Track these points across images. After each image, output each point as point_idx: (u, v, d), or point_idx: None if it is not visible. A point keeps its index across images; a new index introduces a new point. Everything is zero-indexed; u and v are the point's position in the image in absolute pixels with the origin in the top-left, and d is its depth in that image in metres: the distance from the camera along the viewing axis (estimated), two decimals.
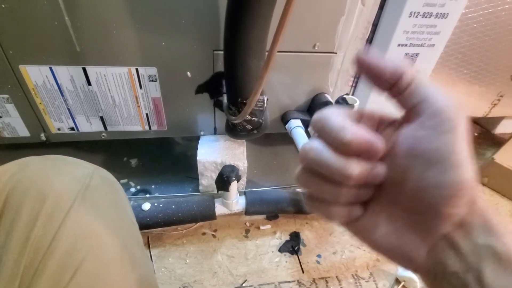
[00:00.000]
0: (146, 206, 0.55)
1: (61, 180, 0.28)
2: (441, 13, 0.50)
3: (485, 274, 0.15)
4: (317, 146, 0.17)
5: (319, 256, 0.61)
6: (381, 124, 0.20)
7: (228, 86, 0.48)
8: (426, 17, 0.50)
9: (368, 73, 0.18)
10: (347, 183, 0.17)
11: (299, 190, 0.75)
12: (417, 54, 0.54)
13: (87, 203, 0.28)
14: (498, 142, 0.93)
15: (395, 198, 0.18)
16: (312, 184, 0.19)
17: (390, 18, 0.50)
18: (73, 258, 0.26)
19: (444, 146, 0.16)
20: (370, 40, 0.54)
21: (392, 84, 0.18)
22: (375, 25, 0.53)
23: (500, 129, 0.93)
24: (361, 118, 0.20)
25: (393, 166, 0.18)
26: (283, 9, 0.29)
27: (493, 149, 0.90)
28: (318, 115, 0.18)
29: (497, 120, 0.91)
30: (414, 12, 0.49)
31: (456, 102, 0.16)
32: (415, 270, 0.18)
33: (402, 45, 0.53)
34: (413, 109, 0.17)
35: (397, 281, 0.57)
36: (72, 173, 0.30)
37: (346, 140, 0.16)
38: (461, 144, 0.16)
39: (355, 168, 0.17)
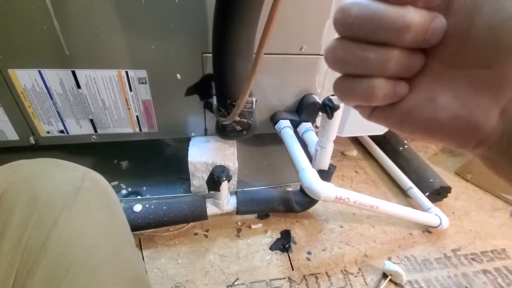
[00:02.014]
0: (138, 207, 0.56)
1: (53, 182, 0.29)
2: None
3: None
4: (361, 0, 0.14)
5: (309, 253, 0.62)
6: None
7: (217, 88, 0.49)
8: None
9: None
10: (402, 39, 0.14)
11: (289, 189, 0.77)
12: None
13: (78, 205, 0.29)
14: None
15: (455, 56, 0.15)
16: (350, 55, 0.15)
17: None
18: (65, 258, 0.26)
19: None
20: None
21: None
22: None
23: None
24: None
25: (452, 13, 0.15)
26: (268, 14, 0.30)
27: None
28: None
29: None
30: None
31: None
32: (480, 143, 0.15)
33: None
34: None
35: (384, 275, 0.58)
36: (63, 175, 0.30)
37: None
38: None
39: (414, 15, 0.14)
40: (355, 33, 0.15)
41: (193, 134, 0.64)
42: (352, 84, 0.16)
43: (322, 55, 0.57)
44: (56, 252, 0.26)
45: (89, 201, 0.30)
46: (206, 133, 0.65)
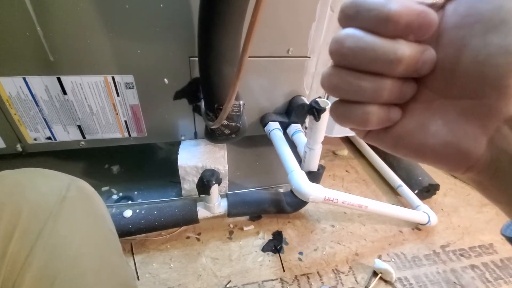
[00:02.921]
0: (128, 213, 0.56)
1: (37, 193, 0.29)
2: None
3: None
4: (355, 32, 0.15)
5: (301, 253, 0.63)
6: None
7: (204, 93, 0.49)
8: None
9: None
10: (394, 71, 0.15)
11: (281, 190, 0.77)
12: None
13: (63, 215, 0.28)
14: None
15: (445, 86, 0.16)
16: (345, 83, 0.16)
17: None
18: (50, 269, 0.26)
19: (507, 3, 0.13)
20: None
21: None
22: None
23: None
24: None
25: (441, 47, 0.15)
26: (250, 19, 0.30)
27: None
28: (350, 0, 0.15)
29: None
30: None
31: None
32: (470, 168, 0.16)
33: None
34: None
35: (375, 273, 0.59)
36: (48, 185, 0.30)
37: (394, 12, 0.14)
38: None
39: (405, 48, 0.14)
40: (350, 62, 0.15)
41: (183, 137, 0.64)
42: (347, 109, 0.17)
43: (309, 57, 0.57)
44: (41, 263, 0.26)
45: (74, 210, 0.30)
46: (196, 136, 0.65)
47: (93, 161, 0.73)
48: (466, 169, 0.16)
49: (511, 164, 0.15)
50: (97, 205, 0.34)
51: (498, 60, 0.14)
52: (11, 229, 0.26)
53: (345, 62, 0.16)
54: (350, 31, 0.15)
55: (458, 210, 0.78)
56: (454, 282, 0.60)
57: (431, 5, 0.16)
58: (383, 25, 0.14)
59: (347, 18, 0.15)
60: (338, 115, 0.17)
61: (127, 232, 0.55)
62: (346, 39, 0.15)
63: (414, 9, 0.14)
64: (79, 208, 0.31)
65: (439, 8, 0.16)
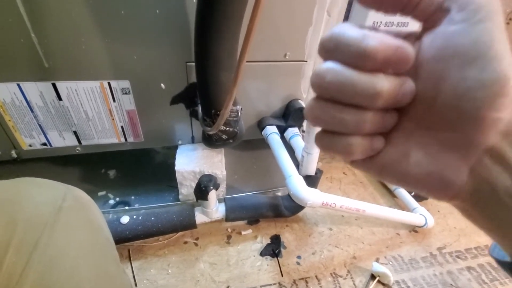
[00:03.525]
0: (125, 219, 0.55)
1: (33, 204, 0.28)
2: (401, 22, 0.54)
3: None
4: (335, 66, 0.15)
5: (299, 257, 0.63)
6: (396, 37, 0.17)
7: (201, 98, 0.48)
8: (388, 26, 0.53)
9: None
10: (375, 104, 0.15)
11: (279, 193, 0.77)
12: None
13: (59, 225, 0.28)
14: None
15: (425, 118, 0.16)
16: (328, 115, 0.16)
17: None
18: (47, 281, 0.26)
19: (482, 37, 0.14)
20: None
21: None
22: None
23: None
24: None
25: (420, 79, 0.16)
26: (247, 29, 0.30)
27: None
28: (329, 33, 0.15)
29: None
30: (377, 22, 0.51)
31: None
32: (453, 197, 0.16)
33: None
34: (436, 12, 0.15)
35: (373, 276, 0.60)
36: (43, 196, 0.30)
37: (372, 48, 0.14)
38: (500, 35, 0.14)
39: (384, 83, 0.15)
40: (331, 96, 0.15)
41: (180, 142, 0.64)
42: (331, 140, 0.17)
43: (306, 61, 0.57)
44: (37, 275, 0.26)
45: (70, 220, 0.30)
46: (193, 140, 0.65)
47: (90, 165, 0.73)
48: (450, 197, 0.16)
49: (493, 194, 0.15)
50: (93, 214, 0.34)
51: (475, 93, 0.14)
52: (6, 241, 0.26)
53: (327, 95, 0.16)
54: (330, 65, 0.15)
55: (454, 212, 0.78)
56: (451, 284, 0.60)
57: (408, 35, 0.17)
58: (361, 60, 0.14)
59: (327, 51, 0.15)
60: (323, 145, 0.17)
61: (125, 238, 0.55)
62: (326, 73, 0.15)
63: (391, 45, 0.14)
64: (75, 218, 0.30)
65: (416, 38, 0.16)
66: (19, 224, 0.27)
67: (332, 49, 0.15)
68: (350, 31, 0.15)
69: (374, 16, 0.51)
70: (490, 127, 0.14)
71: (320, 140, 0.17)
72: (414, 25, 0.18)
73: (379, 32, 0.16)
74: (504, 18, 0.14)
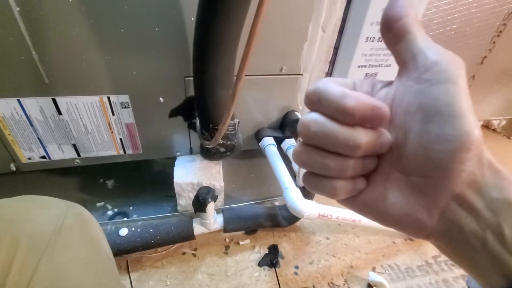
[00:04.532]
0: (124, 231, 0.56)
1: (34, 223, 0.29)
2: None
3: (505, 229, 0.15)
4: (318, 118, 0.17)
5: (296, 267, 0.63)
6: (375, 87, 0.19)
7: (200, 113, 0.49)
8: (381, 41, 0.54)
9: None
10: (355, 154, 0.17)
11: (276, 203, 0.78)
12: (376, 74, 0.59)
13: (61, 244, 0.29)
14: None
15: (399, 163, 0.17)
16: (313, 161, 0.18)
17: (349, 43, 0.54)
18: None
19: (442, 96, 0.15)
20: (333, 62, 0.58)
21: (389, 26, 0.17)
22: (336, 48, 0.57)
23: None
24: (355, 85, 0.19)
25: (393, 129, 0.17)
26: (244, 49, 0.31)
27: None
28: (313, 87, 0.17)
29: None
30: (370, 37, 0.53)
31: (452, 55, 0.16)
32: (428, 236, 0.17)
33: (362, 66, 0.57)
34: (408, 64, 0.17)
35: (369, 286, 0.60)
36: (45, 214, 0.30)
37: (350, 107, 0.15)
38: (461, 95, 0.15)
39: (363, 137, 0.16)
40: (316, 143, 0.17)
41: (178, 153, 0.64)
42: (317, 181, 0.18)
43: (302, 74, 0.59)
44: None
45: (71, 239, 0.30)
46: (191, 151, 0.65)
47: (88, 176, 0.73)
48: (425, 236, 0.18)
49: (461, 235, 0.16)
50: (94, 232, 0.34)
51: (438, 146, 0.15)
52: (9, 261, 0.26)
53: (312, 142, 0.17)
54: (314, 116, 0.17)
55: None
56: None
57: (389, 83, 0.19)
58: (341, 116, 0.16)
59: (312, 103, 0.17)
60: (310, 186, 0.19)
61: (123, 250, 0.55)
62: (310, 123, 0.17)
63: (368, 104, 0.16)
64: (76, 236, 0.31)
65: (389, 83, 0.18)
66: (21, 243, 0.27)
67: (316, 102, 0.17)
68: (331, 89, 0.16)
69: (367, 32, 0.52)
70: (455, 178, 0.15)
71: (307, 181, 0.19)
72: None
73: (365, 84, 0.19)
74: (466, 78, 0.15)
